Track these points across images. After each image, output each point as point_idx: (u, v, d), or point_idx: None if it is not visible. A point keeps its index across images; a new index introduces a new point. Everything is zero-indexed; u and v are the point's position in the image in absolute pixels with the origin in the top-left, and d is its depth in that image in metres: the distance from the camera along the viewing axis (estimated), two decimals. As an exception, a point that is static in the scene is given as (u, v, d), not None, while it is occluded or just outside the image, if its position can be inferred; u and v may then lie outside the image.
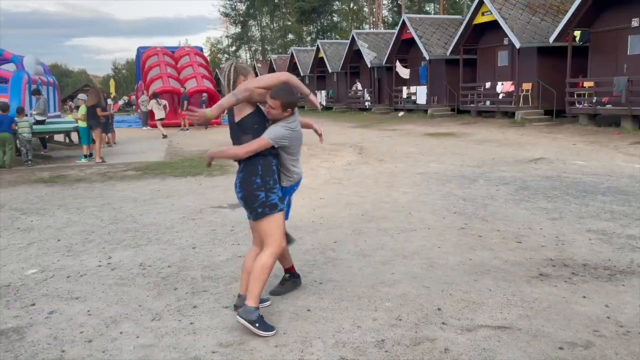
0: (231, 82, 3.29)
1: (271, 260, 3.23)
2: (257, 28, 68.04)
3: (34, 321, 3.40)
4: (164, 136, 17.45)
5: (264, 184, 3.20)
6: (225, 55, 71.35)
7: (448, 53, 22.35)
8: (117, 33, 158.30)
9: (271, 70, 44.54)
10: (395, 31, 26.54)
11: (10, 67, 18.95)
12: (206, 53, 37.51)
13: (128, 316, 3.44)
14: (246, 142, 3.17)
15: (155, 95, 19.75)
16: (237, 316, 3.15)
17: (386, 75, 27.98)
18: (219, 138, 16.52)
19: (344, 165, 10.16)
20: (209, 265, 4.46)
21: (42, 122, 12.79)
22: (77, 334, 3.19)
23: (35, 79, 17.71)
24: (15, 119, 11.04)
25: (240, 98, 3.14)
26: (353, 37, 30.10)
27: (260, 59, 59.32)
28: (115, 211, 6.66)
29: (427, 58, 23.39)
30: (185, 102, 20.40)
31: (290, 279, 3.84)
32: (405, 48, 26.01)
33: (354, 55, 30.44)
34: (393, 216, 6.02)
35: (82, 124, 11.74)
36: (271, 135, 3.17)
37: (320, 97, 35.17)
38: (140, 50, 25.90)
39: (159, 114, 18.88)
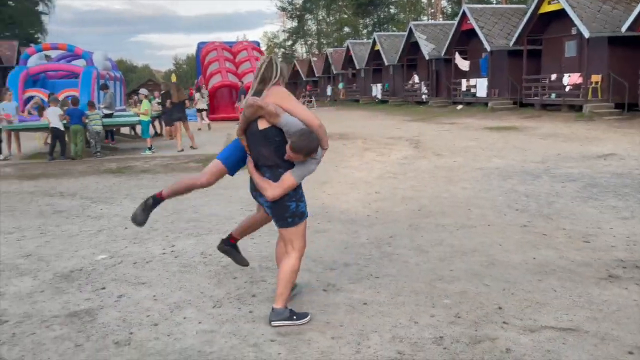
0: (262, 74, 3.21)
1: (299, 263, 3.27)
2: (313, 22, 68.31)
3: (104, 304, 3.59)
4: (209, 127, 18.59)
5: (295, 194, 3.19)
6: (282, 49, 72.14)
7: (511, 44, 21.54)
8: (178, 29, 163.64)
9: (327, 63, 44.62)
10: (455, 22, 25.86)
11: (80, 63, 20.05)
12: (263, 47, 38.07)
13: (191, 302, 3.57)
14: (266, 154, 3.10)
15: (199, 88, 20.46)
16: (271, 323, 3.16)
17: (444, 67, 27.35)
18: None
19: (399, 160, 10.04)
20: (266, 255, 4.54)
21: (109, 116, 13.42)
22: (144, 318, 3.35)
23: (104, 74, 18.63)
24: (86, 112, 11.65)
25: (247, 114, 3.08)
26: (411, 29, 29.60)
27: (316, 52, 59.53)
28: (177, 202, 6.87)
29: (489, 49, 22.66)
30: (242, 96, 20.76)
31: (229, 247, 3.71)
32: (465, 39, 25.30)
33: (411, 47, 29.94)
34: (451, 212, 5.90)
35: (145, 118, 12.22)
36: (300, 176, 3.14)
37: (375, 91, 34.89)
38: (200, 46, 26.62)
39: (202, 105, 19.75)
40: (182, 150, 12.06)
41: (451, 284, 3.78)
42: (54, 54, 21.91)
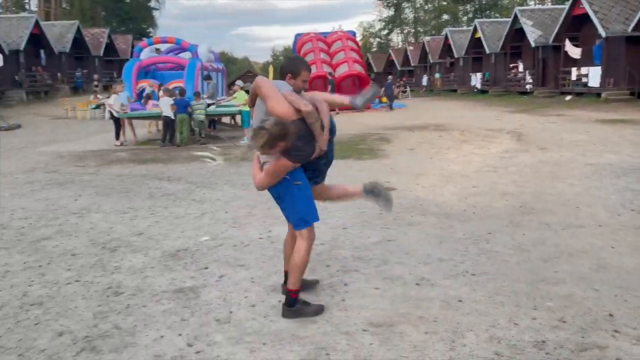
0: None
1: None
2: (410, 10, 66.89)
3: (207, 283, 3.81)
4: None
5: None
6: (377, 39, 71.48)
7: (630, 29, 19.63)
8: (276, 21, 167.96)
9: (423, 52, 43.54)
10: (566, 7, 24.04)
11: (186, 56, 21.28)
12: (358, 37, 37.94)
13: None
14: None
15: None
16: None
17: (552, 55, 25.56)
18: (369, 122, 16.70)
19: (500, 153, 9.58)
20: (359, 246, 4.56)
21: (212, 105, 14.12)
22: (242, 298, 3.51)
23: (207, 66, 19.64)
24: (192, 102, 12.36)
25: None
26: (516, 14, 27.99)
27: (412, 41, 58.30)
28: (273, 189, 7.12)
29: (604, 35, 20.82)
30: (329, 87, 20.92)
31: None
32: (576, 25, 23.45)
33: (516, 34, 28.32)
34: (557, 210, 5.53)
35: (245, 108, 12.70)
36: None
37: (474, 80, 33.50)
38: (297, 37, 27.14)
39: None
40: None
41: (555, 287, 3.55)
42: (163, 47, 23.43)
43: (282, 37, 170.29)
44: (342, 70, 23.04)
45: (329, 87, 20.97)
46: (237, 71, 72.67)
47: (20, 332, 3.08)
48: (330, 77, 21.21)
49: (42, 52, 31.07)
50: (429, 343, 2.84)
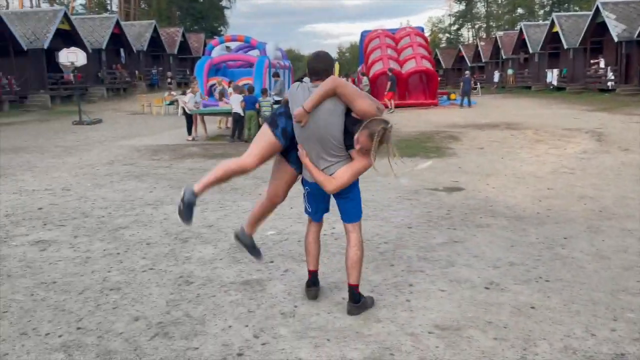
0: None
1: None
2: (482, 4, 64.73)
3: (272, 276, 3.89)
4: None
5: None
6: (447, 35, 69.79)
7: None
8: (343, 18, 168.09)
9: (495, 48, 42.04)
10: (654, -3, 22.35)
11: (255, 53, 21.76)
12: (427, 33, 37.13)
13: (350, 284, 3.67)
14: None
15: (346, 75, 21.20)
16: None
17: (637, 50, 23.87)
18: (437, 119, 16.35)
19: (577, 154, 9.07)
20: (424, 246, 4.48)
21: (279, 102, 14.38)
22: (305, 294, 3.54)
23: (275, 63, 19.99)
24: (260, 99, 12.63)
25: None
26: (598, 7, 26.34)
27: (484, 36, 56.40)
28: (338, 185, 7.13)
29: (697, 27, 19.15)
30: (389, 83, 20.66)
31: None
32: (665, 17, 21.73)
33: (597, 28, 26.67)
34: (640, 215, 5.16)
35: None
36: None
37: (550, 77, 31.88)
38: (364, 34, 27.01)
39: None
40: None
41: (638, 297, 3.32)
42: (233, 45, 24.10)
43: (349, 33, 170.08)
44: (410, 66, 22.68)
45: (389, 84, 20.72)
46: (303, 68, 73.26)
47: (100, 315, 3.27)
48: (390, 74, 20.94)
49: (121, 50, 32.89)
50: (499, 350, 2.74)
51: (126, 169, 8.75)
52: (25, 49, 23.46)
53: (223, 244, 4.66)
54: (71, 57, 18.61)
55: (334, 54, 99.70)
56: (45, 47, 24.62)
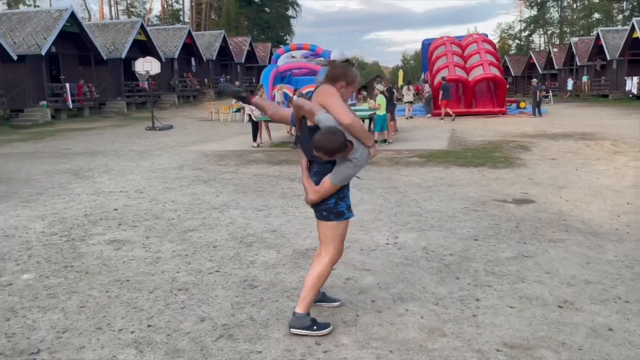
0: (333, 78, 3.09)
1: (328, 270, 3.12)
2: (556, 9, 62.10)
3: (333, 284, 3.88)
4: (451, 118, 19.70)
5: (337, 192, 3.04)
6: (516, 41, 67.47)
7: None
8: (408, 25, 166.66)
9: (569, 54, 40.15)
10: None
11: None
12: (495, 40, 36.11)
13: (413, 296, 3.61)
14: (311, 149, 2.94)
15: (408, 82, 23.09)
16: (290, 329, 3.07)
17: None
18: (506, 128, 15.80)
19: (660, 166, 8.46)
20: (492, 260, 4.32)
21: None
22: (368, 303, 3.51)
23: (340, 71, 20.09)
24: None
25: (294, 113, 3.11)
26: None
27: (557, 42, 54.02)
28: (400, 195, 7.05)
29: None
30: (442, 92, 20.34)
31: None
32: None
33: (683, 32, 24.84)
34: None
35: (380, 112, 12.77)
36: (337, 179, 2.96)
37: (630, 85, 30.01)
38: (425, 42, 26.67)
39: (407, 97, 21.98)
40: (392, 142, 12.94)
41: None
42: (298, 53, 24.51)
43: (414, 40, 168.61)
44: (477, 73, 22.09)
45: (441, 92, 20.39)
46: (366, 76, 73.43)
47: (169, 314, 3.40)
48: (443, 82, 20.56)
49: (192, 59, 34.28)
50: (573, 373, 2.59)
51: (195, 173, 9.08)
52: (105, 58, 24.98)
53: (286, 250, 4.71)
54: (146, 66, 19.63)
55: (397, 62, 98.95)
56: (123, 56, 26.12)
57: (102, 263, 4.42)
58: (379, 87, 13.91)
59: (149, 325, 3.23)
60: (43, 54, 21.14)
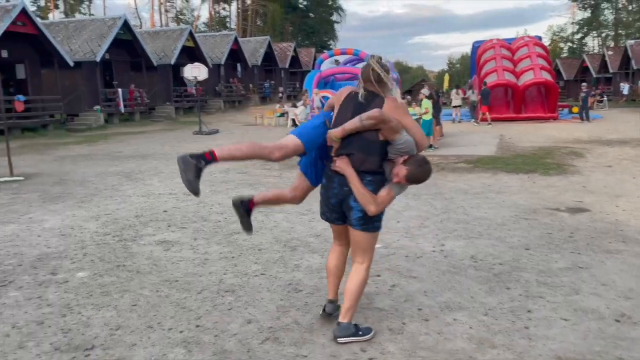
0: (373, 79, 2.96)
1: (368, 275, 3.11)
2: (610, 11, 59.67)
3: (379, 290, 3.84)
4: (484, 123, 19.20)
5: None
6: (568, 44, 65.29)
7: None
8: (454, 29, 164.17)
9: (624, 58, 38.48)
10: None
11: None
12: (546, 42, 34.94)
13: (461, 305, 3.52)
14: (373, 161, 2.92)
15: (457, 86, 22.93)
16: (337, 339, 3.02)
17: None
18: (558, 134, 15.28)
19: None
20: (544, 270, 4.17)
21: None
22: (415, 311, 3.45)
23: (384, 76, 19.99)
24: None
25: (365, 125, 2.85)
26: None
27: (612, 45, 51.88)
28: (447, 201, 6.92)
29: None
30: (482, 98, 20.00)
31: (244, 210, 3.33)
32: None
33: None
34: None
35: (426, 117, 12.62)
36: (398, 190, 3.02)
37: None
38: (475, 45, 26.11)
39: (455, 102, 21.93)
40: (437, 147, 12.73)
41: None
42: (342, 58, 24.54)
43: (460, 44, 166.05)
44: (527, 78, 21.47)
45: (480, 98, 20.08)
46: (411, 80, 72.80)
47: (217, 315, 3.45)
48: (484, 87, 20.14)
49: (238, 65, 34.95)
50: (634, 392, 2.46)
51: (240, 177, 9.22)
52: (155, 64, 25.82)
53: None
54: (194, 72, 20.15)
55: (442, 66, 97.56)
56: (172, 62, 26.92)
57: (152, 263, 4.55)
58: (424, 91, 13.72)
59: (197, 326, 3.29)
60: (97, 60, 22.06)
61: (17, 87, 20.61)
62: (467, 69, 52.01)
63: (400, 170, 2.88)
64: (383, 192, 2.93)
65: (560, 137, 14.52)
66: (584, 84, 24.68)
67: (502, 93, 22.05)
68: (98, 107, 22.35)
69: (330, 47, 56.25)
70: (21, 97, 18.44)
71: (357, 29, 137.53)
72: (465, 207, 6.54)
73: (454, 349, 2.92)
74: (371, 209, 2.89)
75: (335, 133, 2.89)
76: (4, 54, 19.41)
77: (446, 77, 35.50)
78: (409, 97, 21.06)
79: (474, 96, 21.76)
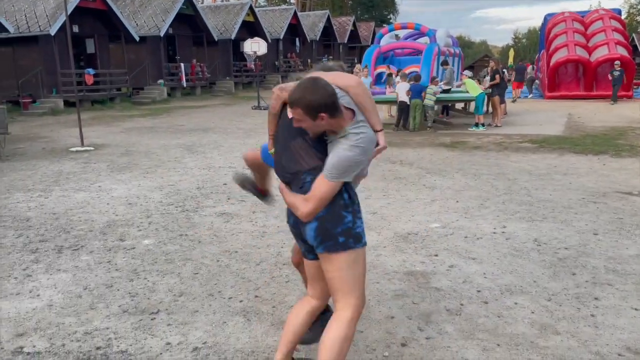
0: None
1: (354, 327, 2.13)
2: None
3: (436, 270, 3.79)
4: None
5: (351, 203, 2.10)
6: (647, 17, 60.57)
7: None
8: (519, 2, 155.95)
9: None
10: None
11: (424, 41, 21.32)
12: (623, 16, 32.47)
13: (522, 289, 3.41)
14: (303, 153, 2.10)
15: (521, 61, 22.64)
16: None
17: None
18: (630, 113, 14.34)
19: None
20: (613, 256, 3.96)
21: (447, 91, 13.92)
22: (474, 293, 3.38)
23: (444, 51, 19.37)
24: (429, 86, 12.36)
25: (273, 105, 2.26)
26: None
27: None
28: (509, 182, 6.68)
29: None
30: (514, 73, 19.22)
31: (320, 320, 2.42)
32: None
33: None
34: None
35: (474, 92, 12.22)
36: (335, 170, 1.98)
37: None
38: (547, 18, 24.70)
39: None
40: (500, 125, 12.29)
41: None
42: (402, 32, 23.94)
43: (527, 18, 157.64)
44: (601, 53, 20.14)
45: (513, 74, 19.54)
46: (473, 55, 70.18)
47: (274, 286, 3.52)
48: (520, 64, 19.43)
49: (297, 40, 34.89)
50: None
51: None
52: (216, 39, 26.22)
53: (387, 232, 4.67)
54: (254, 46, 20.30)
55: (507, 40, 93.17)
56: (233, 37, 27.24)
57: (213, 234, 4.69)
58: (467, 72, 13.45)
59: (256, 296, 3.37)
60: (161, 35, 22.66)
61: (87, 61, 21.56)
62: (533, 44, 49.48)
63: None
64: (315, 182, 2.04)
65: (635, 117, 13.60)
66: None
67: (573, 69, 20.87)
68: (161, 81, 23.04)
69: (390, 21, 55.03)
70: (91, 71, 19.28)
71: (418, 3, 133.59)
72: (529, 188, 6.29)
73: (514, 333, 2.84)
74: (302, 211, 2.05)
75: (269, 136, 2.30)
76: (75, 29, 20.26)
77: (511, 53, 33.89)
78: (470, 72, 20.35)
79: (532, 73, 21.11)
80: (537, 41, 30.15)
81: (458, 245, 4.32)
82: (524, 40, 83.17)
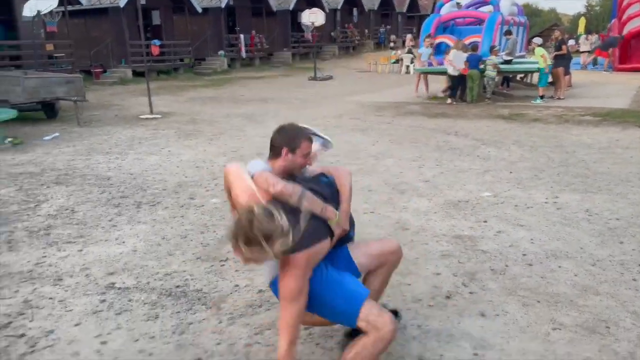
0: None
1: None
2: None
3: (484, 235, 3.96)
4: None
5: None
6: None
7: None
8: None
9: None
10: None
11: (487, 9, 20.63)
12: None
13: (568, 254, 3.55)
14: None
15: (589, 32, 20.74)
16: None
17: None
18: None
19: None
20: (666, 228, 3.98)
21: (509, 62, 13.58)
22: (519, 256, 3.55)
23: (508, 20, 18.70)
24: (489, 56, 12.12)
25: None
26: None
27: None
28: (567, 154, 6.63)
29: None
30: (610, 48, 17.96)
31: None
32: None
33: None
34: None
35: (541, 65, 11.84)
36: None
37: None
38: (623, -17, 23.20)
39: (584, 47, 20.79)
40: (563, 98, 11.93)
41: None
42: (464, 0, 23.21)
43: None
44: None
45: (610, 50, 17.98)
46: (541, 24, 66.67)
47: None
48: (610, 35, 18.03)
49: (354, 10, 34.50)
50: None
51: (353, 122, 9.49)
52: (275, 10, 26.46)
53: (437, 199, 4.86)
54: (312, 17, 20.40)
55: (579, 8, 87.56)
56: (291, 8, 27.38)
57: (273, 195, 5.04)
58: (537, 40, 12.94)
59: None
60: (222, 6, 23.15)
61: (153, 33, 22.42)
62: (608, 11, 46.37)
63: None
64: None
65: None
66: None
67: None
68: (222, 52, 23.65)
69: (452, -11, 53.06)
70: (157, 42, 20.07)
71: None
72: (587, 161, 6.24)
73: (555, 292, 3.01)
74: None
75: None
76: (143, 0, 21.10)
77: (582, 21, 32.08)
78: (537, 41, 19.57)
79: (587, 44, 20.03)
80: (611, 9, 28.33)
81: (508, 213, 4.46)
82: (597, 8, 78.01)
